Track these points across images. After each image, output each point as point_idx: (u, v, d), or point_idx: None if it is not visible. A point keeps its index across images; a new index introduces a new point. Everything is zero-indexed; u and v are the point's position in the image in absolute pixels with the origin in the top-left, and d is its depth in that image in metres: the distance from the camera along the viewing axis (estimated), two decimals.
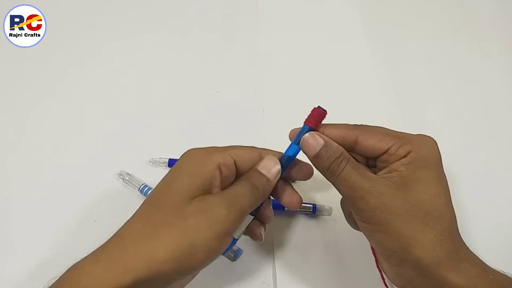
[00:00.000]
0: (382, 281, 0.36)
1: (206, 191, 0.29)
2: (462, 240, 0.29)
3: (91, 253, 0.28)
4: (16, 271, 0.39)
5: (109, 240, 0.29)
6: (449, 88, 0.55)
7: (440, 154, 0.30)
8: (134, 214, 0.30)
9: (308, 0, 0.63)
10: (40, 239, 0.41)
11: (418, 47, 0.59)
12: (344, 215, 0.36)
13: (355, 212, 0.30)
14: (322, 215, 0.43)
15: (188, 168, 0.30)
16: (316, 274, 0.40)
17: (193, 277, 0.31)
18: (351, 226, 0.35)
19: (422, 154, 0.29)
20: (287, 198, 0.33)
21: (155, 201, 0.29)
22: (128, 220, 0.30)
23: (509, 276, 0.28)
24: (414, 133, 0.31)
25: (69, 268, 0.28)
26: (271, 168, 0.31)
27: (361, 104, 0.52)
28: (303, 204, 0.42)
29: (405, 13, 0.63)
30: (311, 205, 0.42)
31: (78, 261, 0.28)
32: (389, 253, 0.29)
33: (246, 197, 0.29)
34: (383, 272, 0.34)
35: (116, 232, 0.29)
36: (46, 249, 0.40)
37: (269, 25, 0.59)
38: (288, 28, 0.60)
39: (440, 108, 0.53)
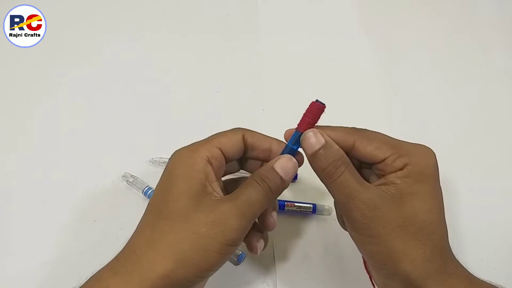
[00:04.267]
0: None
1: (204, 188, 0.29)
2: (452, 253, 0.29)
3: (108, 264, 0.28)
4: (16, 271, 0.39)
5: (122, 250, 0.29)
6: (449, 88, 0.55)
7: (437, 166, 0.29)
8: (140, 222, 0.30)
9: (308, 0, 0.63)
10: (40, 239, 0.41)
11: (418, 47, 0.59)
12: (337, 214, 0.35)
13: (347, 220, 0.30)
14: (322, 215, 0.43)
15: (180, 172, 0.29)
16: (316, 274, 0.40)
17: (208, 277, 0.31)
18: (342, 227, 0.35)
19: (419, 167, 0.28)
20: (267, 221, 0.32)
21: (158, 209, 0.29)
22: (136, 229, 0.29)
23: (496, 286, 0.29)
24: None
25: (87, 280, 0.28)
26: (289, 169, 0.30)
27: (361, 104, 0.52)
28: (303, 204, 0.42)
29: (405, 13, 0.63)
30: (311, 205, 0.42)
31: (96, 273, 0.28)
32: (379, 265, 0.29)
33: (260, 203, 0.29)
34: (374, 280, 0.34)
35: (128, 241, 0.29)
36: (47, 249, 0.40)
37: (269, 25, 0.59)
38: (288, 28, 0.60)
39: (440, 108, 0.53)
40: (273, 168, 0.29)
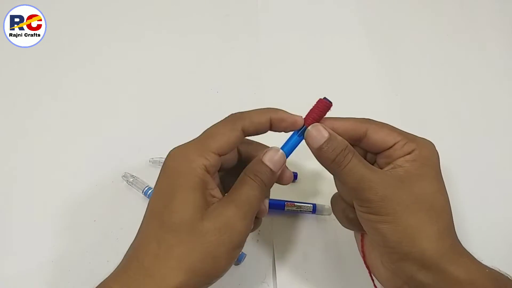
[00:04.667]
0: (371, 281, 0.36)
1: (206, 197, 0.29)
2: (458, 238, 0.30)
3: (115, 276, 0.28)
4: (16, 271, 0.39)
5: (127, 262, 0.28)
6: (449, 88, 0.55)
7: (439, 158, 0.31)
8: (142, 231, 0.29)
9: (308, 0, 0.63)
10: (40, 239, 0.41)
11: (418, 47, 0.59)
12: (334, 212, 0.36)
13: (361, 203, 0.30)
14: (322, 214, 0.43)
15: (181, 183, 0.29)
16: (316, 274, 0.40)
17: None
18: (342, 224, 0.35)
19: (425, 153, 0.30)
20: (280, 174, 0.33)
21: (161, 219, 0.28)
22: (138, 238, 0.29)
23: (501, 272, 0.29)
24: (414, 133, 0.32)
25: None
26: (277, 160, 0.31)
27: (361, 104, 0.52)
28: (303, 204, 0.42)
29: (405, 13, 0.63)
30: (311, 205, 0.42)
31: (103, 284, 0.27)
32: (393, 245, 0.28)
33: (258, 199, 0.30)
34: (374, 278, 0.34)
35: (132, 253, 0.28)
36: (47, 249, 0.40)
37: (269, 25, 0.59)
38: (288, 28, 0.60)
39: (440, 108, 0.53)
40: (262, 162, 0.30)
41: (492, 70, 0.57)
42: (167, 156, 0.31)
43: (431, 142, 0.31)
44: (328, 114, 0.32)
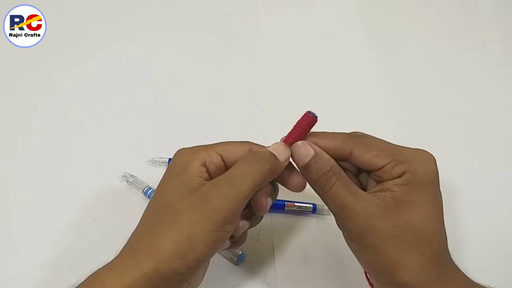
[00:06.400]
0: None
1: (195, 182, 0.28)
2: (451, 260, 0.29)
3: (109, 262, 0.29)
4: (16, 271, 0.39)
5: (121, 249, 0.29)
6: (449, 88, 0.55)
7: (437, 173, 0.29)
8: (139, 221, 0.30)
9: (309, 1, 0.63)
10: (40, 239, 0.41)
11: (418, 47, 0.59)
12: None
13: (342, 230, 0.30)
14: (322, 215, 0.43)
15: (175, 170, 0.29)
16: (316, 274, 0.40)
17: (205, 272, 0.31)
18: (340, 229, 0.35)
19: (418, 175, 0.28)
20: (292, 180, 0.31)
21: (153, 206, 0.30)
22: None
23: None
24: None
25: (88, 277, 0.28)
26: (279, 147, 0.29)
27: (361, 104, 0.52)
28: (303, 204, 0.42)
29: (405, 13, 0.63)
30: (311, 205, 0.42)
31: (97, 270, 0.28)
32: (376, 274, 0.29)
33: (246, 177, 0.27)
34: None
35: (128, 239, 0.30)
36: (47, 249, 0.40)
37: (269, 25, 0.59)
38: (288, 28, 0.60)
39: (440, 108, 0.53)
40: (267, 149, 0.30)
41: (492, 70, 0.57)
42: (175, 153, 0.31)
43: (429, 156, 0.29)
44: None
